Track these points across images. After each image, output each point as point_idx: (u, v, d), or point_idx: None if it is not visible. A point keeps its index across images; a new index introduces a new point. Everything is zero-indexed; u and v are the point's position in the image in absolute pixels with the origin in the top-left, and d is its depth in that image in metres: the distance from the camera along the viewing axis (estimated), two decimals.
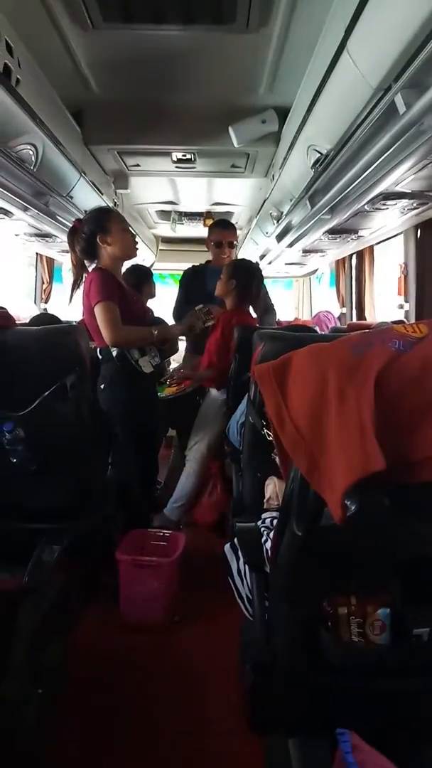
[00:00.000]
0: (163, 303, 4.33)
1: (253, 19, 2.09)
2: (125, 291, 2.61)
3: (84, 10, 2.04)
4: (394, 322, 2.88)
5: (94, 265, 2.62)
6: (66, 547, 1.83)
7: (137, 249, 2.75)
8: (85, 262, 2.64)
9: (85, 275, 2.62)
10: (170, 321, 3.48)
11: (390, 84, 1.59)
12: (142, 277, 3.91)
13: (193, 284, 3.74)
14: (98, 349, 2.59)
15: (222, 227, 3.75)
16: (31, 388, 1.96)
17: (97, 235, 2.54)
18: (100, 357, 2.60)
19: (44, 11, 2.04)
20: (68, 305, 2.76)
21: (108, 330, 2.44)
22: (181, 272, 3.99)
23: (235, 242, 3.71)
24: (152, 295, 4.01)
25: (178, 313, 3.64)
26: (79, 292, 2.65)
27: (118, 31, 2.20)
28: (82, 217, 3.12)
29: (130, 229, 2.76)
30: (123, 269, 2.80)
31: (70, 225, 2.84)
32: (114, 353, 2.54)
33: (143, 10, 2.07)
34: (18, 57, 1.90)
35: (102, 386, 2.60)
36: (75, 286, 2.66)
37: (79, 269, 2.64)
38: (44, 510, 1.99)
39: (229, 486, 3.03)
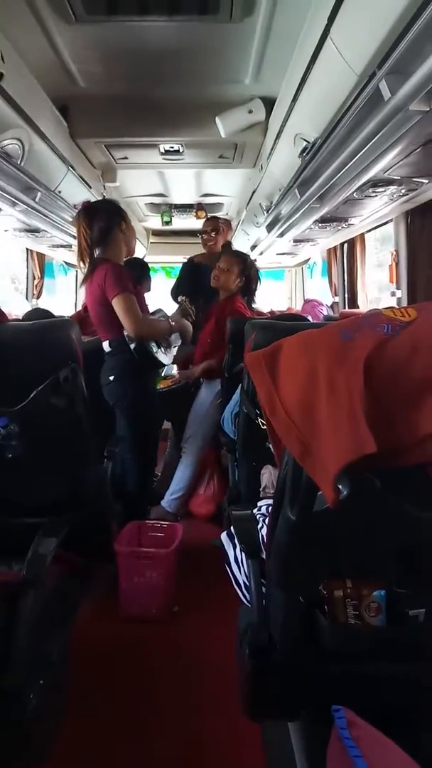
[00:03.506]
0: (155, 295, 4.36)
1: (237, 8, 2.08)
2: (134, 284, 2.63)
3: (67, 3, 2.02)
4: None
5: (98, 257, 2.61)
6: (64, 540, 1.84)
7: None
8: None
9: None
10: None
11: (374, 70, 1.59)
12: (143, 271, 3.97)
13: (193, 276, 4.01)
14: (107, 342, 2.60)
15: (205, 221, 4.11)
16: (25, 383, 1.96)
17: (120, 221, 2.59)
18: (108, 349, 2.61)
19: (26, 5, 2.02)
20: (80, 287, 2.76)
21: (132, 322, 2.45)
22: (172, 265, 4.10)
23: (215, 228, 3.97)
24: (148, 289, 4.06)
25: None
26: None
27: (101, 23, 2.18)
28: (73, 210, 3.13)
29: None
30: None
31: (59, 219, 2.83)
32: (132, 346, 2.55)
33: (127, 2, 2.05)
34: (1, 51, 1.89)
35: (111, 378, 2.61)
36: (87, 277, 2.61)
37: (91, 251, 2.60)
38: (41, 504, 2.00)
39: (226, 476, 3.05)
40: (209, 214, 4.77)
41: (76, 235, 2.63)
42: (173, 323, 2.76)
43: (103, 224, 2.56)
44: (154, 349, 2.59)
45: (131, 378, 2.61)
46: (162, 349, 2.63)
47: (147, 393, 2.72)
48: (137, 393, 2.64)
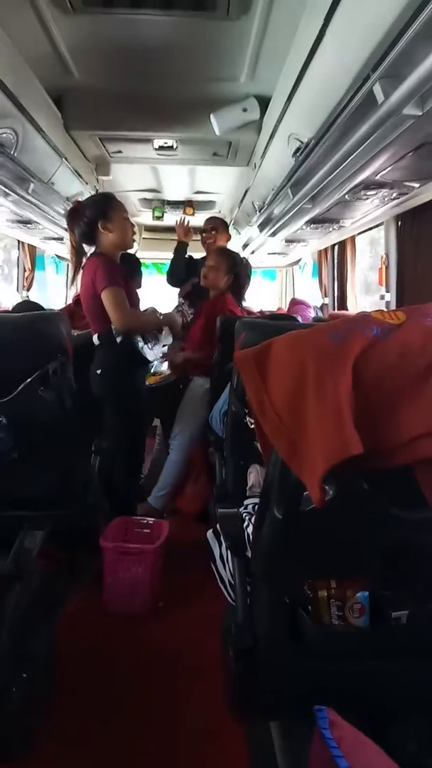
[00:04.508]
0: (147, 292, 4.36)
1: (234, 6, 2.07)
2: (126, 279, 2.63)
3: None
4: None
5: (92, 250, 2.63)
6: (50, 534, 1.83)
7: (135, 240, 2.77)
8: (84, 246, 2.64)
9: (85, 259, 2.62)
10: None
11: (368, 73, 1.60)
12: (135, 267, 3.97)
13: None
14: (96, 335, 2.60)
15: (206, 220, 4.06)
16: (13, 375, 1.95)
17: (99, 220, 2.55)
18: (97, 342, 2.60)
19: None
20: (70, 287, 2.77)
21: (119, 314, 2.46)
22: (164, 261, 4.09)
23: (215, 227, 3.94)
24: (139, 285, 4.05)
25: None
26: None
27: (98, 16, 2.17)
28: (64, 204, 3.11)
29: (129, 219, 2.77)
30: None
31: (52, 212, 2.81)
32: (119, 339, 2.55)
33: None
34: None
35: (99, 371, 2.60)
36: (76, 271, 2.64)
37: (78, 253, 2.63)
38: (28, 497, 1.99)
39: (213, 474, 3.05)
40: (196, 212, 4.81)
41: None
42: (161, 317, 2.76)
43: (84, 227, 2.58)
44: (140, 344, 2.59)
45: (118, 372, 2.61)
46: (149, 344, 2.63)
47: (134, 388, 2.71)
48: (124, 387, 2.63)
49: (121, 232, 2.62)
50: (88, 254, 2.64)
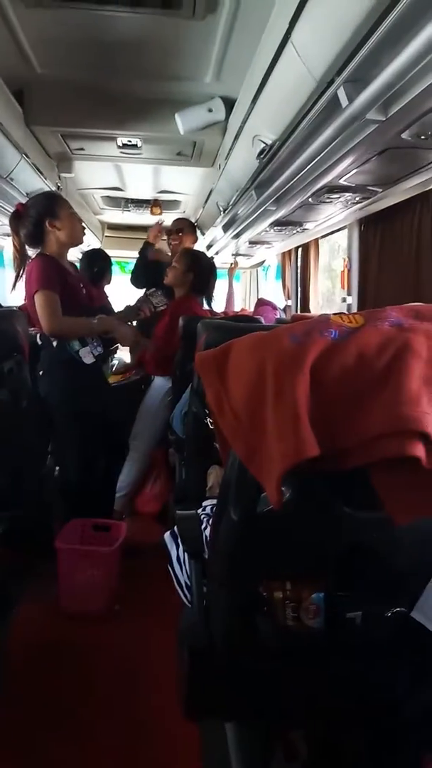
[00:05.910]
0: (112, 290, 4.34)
1: (200, 5, 2.06)
2: (69, 278, 2.57)
3: None
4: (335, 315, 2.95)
5: (37, 251, 2.57)
6: (3, 536, 1.79)
7: (84, 235, 2.73)
8: (28, 248, 2.60)
9: (28, 261, 2.58)
10: (121, 304, 3.49)
11: (333, 77, 1.61)
12: (105, 263, 3.95)
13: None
14: (38, 335, 2.54)
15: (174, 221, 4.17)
16: None
17: (46, 219, 2.51)
18: (40, 343, 2.55)
19: None
20: (11, 292, 2.70)
21: (45, 320, 2.41)
22: (127, 260, 4.08)
23: (180, 228, 4.03)
24: (109, 281, 4.04)
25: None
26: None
27: (62, 9, 2.13)
28: (23, 201, 3.06)
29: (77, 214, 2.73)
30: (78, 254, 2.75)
31: (12, 208, 2.76)
32: (54, 342, 2.51)
33: None
34: None
35: (41, 372, 2.55)
36: (18, 274, 2.61)
37: (21, 256, 2.59)
38: None
39: (173, 475, 3.03)
40: (164, 211, 4.79)
41: None
42: (95, 322, 2.62)
43: (30, 227, 2.54)
44: (76, 347, 2.55)
45: (60, 372, 2.58)
46: (89, 347, 2.59)
47: (80, 387, 2.61)
48: (66, 387, 2.58)
49: (70, 228, 2.59)
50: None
